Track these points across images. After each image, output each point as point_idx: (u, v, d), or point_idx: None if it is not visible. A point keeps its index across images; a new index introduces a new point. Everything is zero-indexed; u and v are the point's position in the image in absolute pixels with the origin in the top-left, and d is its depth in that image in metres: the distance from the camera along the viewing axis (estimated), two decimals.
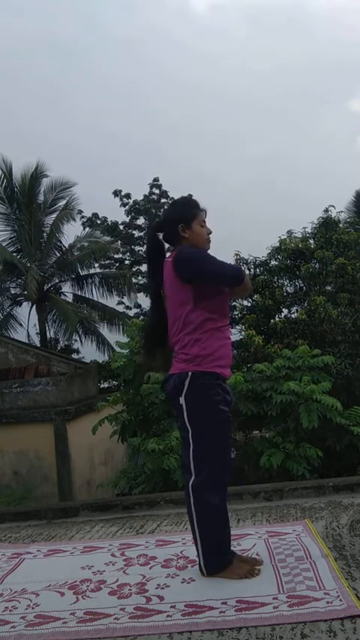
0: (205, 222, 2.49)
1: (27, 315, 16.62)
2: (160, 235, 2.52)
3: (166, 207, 19.75)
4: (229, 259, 8.79)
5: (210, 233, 2.49)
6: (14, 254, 15.80)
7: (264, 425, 5.81)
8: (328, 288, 8.25)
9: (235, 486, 3.60)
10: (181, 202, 2.64)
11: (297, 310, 8.18)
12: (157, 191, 21.16)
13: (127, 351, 6.32)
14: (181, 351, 2.39)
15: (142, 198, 21.05)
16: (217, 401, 2.35)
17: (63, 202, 16.28)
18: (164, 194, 21.00)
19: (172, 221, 2.46)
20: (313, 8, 73.01)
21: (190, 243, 2.42)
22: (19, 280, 15.99)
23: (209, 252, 2.47)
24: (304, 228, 9.04)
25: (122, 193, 20.93)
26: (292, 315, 8.19)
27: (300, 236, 8.96)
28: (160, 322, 2.53)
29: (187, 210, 2.46)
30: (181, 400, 2.36)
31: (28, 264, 15.18)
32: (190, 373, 2.34)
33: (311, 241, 8.75)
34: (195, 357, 2.34)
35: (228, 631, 1.90)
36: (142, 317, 17.18)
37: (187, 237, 2.42)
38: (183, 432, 2.40)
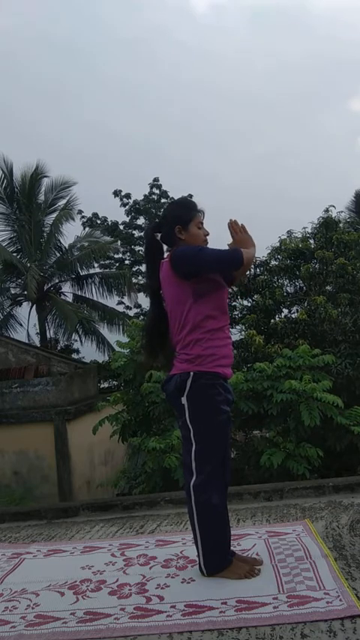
0: (202, 223, 2.48)
1: (27, 315, 16.63)
2: (158, 236, 2.52)
3: (165, 207, 19.73)
4: None
5: (207, 235, 2.48)
6: (14, 254, 15.80)
7: (264, 424, 5.82)
8: (329, 288, 8.25)
9: (235, 486, 3.60)
10: (178, 203, 2.65)
11: (297, 310, 8.19)
12: (157, 191, 21.16)
13: (128, 350, 6.32)
14: (182, 352, 2.39)
15: (142, 198, 21.05)
16: (218, 401, 2.35)
17: (63, 202, 16.30)
18: (164, 194, 20.99)
19: (170, 222, 2.45)
20: (314, 7, 73.13)
21: (187, 244, 2.41)
22: (19, 280, 15.98)
23: None
24: (304, 228, 9.06)
25: (122, 193, 20.92)
26: (293, 315, 8.19)
27: (300, 236, 8.97)
28: (160, 321, 2.53)
29: (185, 212, 2.45)
30: (183, 400, 2.35)
31: (28, 264, 15.18)
32: (191, 373, 2.34)
33: (311, 241, 8.76)
34: (196, 358, 2.34)
35: (228, 631, 1.90)
36: (142, 317, 17.16)
37: (184, 239, 2.42)
38: (184, 432, 2.40)
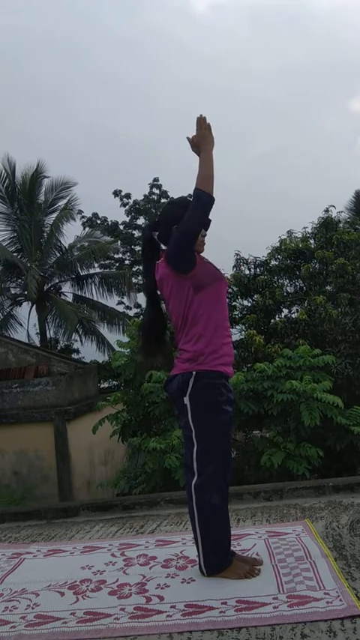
0: None
1: (27, 315, 16.65)
2: (156, 235, 2.53)
3: (163, 206, 19.74)
4: (229, 259, 8.80)
5: (204, 235, 2.48)
6: (14, 254, 15.82)
7: (264, 425, 5.81)
8: (329, 288, 8.24)
9: (235, 486, 3.60)
10: (176, 203, 2.65)
11: (297, 310, 8.18)
12: (157, 191, 21.19)
13: (128, 350, 6.32)
14: (184, 347, 2.38)
15: (142, 198, 21.07)
16: (221, 401, 2.35)
17: (63, 202, 16.33)
18: (164, 194, 21.02)
19: (167, 221, 2.46)
20: (314, 8, 73.11)
21: None
22: (19, 280, 16.00)
23: (203, 254, 2.46)
24: (305, 228, 9.06)
25: (122, 193, 20.96)
26: (293, 315, 8.18)
27: (300, 236, 8.96)
28: (156, 320, 2.53)
29: (182, 211, 2.43)
30: (186, 400, 2.35)
31: (29, 264, 15.19)
32: (194, 373, 2.33)
33: (311, 241, 8.75)
34: (199, 355, 2.34)
35: (228, 631, 1.90)
36: (142, 317, 17.16)
37: None
38: (186, 432, 2.40)
